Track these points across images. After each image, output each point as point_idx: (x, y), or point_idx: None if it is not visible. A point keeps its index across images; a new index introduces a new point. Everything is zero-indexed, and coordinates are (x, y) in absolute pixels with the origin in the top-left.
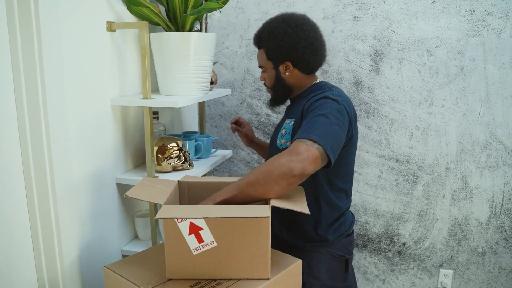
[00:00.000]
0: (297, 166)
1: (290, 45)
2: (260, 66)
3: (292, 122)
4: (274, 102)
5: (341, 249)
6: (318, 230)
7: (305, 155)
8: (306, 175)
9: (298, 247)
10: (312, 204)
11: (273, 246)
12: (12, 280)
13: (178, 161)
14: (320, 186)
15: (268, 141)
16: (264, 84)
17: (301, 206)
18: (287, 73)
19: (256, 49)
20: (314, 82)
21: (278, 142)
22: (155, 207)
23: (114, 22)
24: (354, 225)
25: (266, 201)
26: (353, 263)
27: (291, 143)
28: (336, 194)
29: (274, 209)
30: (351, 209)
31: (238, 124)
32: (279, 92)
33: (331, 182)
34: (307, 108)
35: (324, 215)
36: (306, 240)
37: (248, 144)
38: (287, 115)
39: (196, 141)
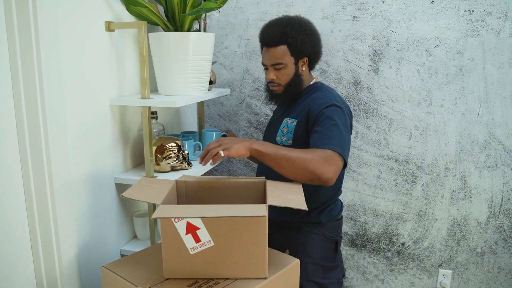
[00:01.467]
0: (327, 175)
1: (315, 40)
2: (275, 64)
3: (295, 123)
4: (284, 99)
5: (332, 231)
6: (313, 213)
7: (335, 167)
8: (329, 185)
9: (294, 227)
10: (310, 195)
11: (271, 227)
12: (10, 280)
13: (177, 161)
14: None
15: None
16: (272, 82)
17: (299, 203)
18: (303, 68)
19: (257, 49)
20: (313, 82)
21: (278, 139)
22: (154, 207)
23: (112, 22)
24: (343, 212)
25: (263, 200)
26: (352, 263)
27: (293, 142)
28: (331, 187)
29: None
30: (350, 207)
31: None
32: (294, 88)
33: None
34: (315, 115)
35: (320, 202)
36: (302, 222)
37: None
38: (285, 113)
39: (205, 135)
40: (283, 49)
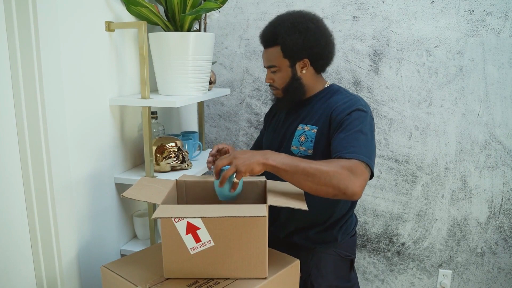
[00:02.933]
0: (353, 189)
1: (313, 40)
2: (269, 66)
3: (315, 130)
4: (283, 105)
5: (347, 249)
6: (329, 231)
7: (362, 179)
8: (355, 200)
9: (307, 248)
10: (329, 207)
11: (280, 249)
12: (10, 279)
13: (177, 160)
14: None
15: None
16: (270, 85)
17: (298, 203)
18: (304, 71)
19: (257, 49)
20: (327, 85)
21: (294, 148)
22: (154, 207)
23: (112, 22)
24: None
25: (264, 200)
26: None
27: (313, 152)
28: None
29: (291, 213)
30: None
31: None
32: (293, 93)
33: None
34: (340, 119)
35: (336, 217)
36: (315, 242)
37: None
38: (298, 119)
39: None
40: (275, 50)
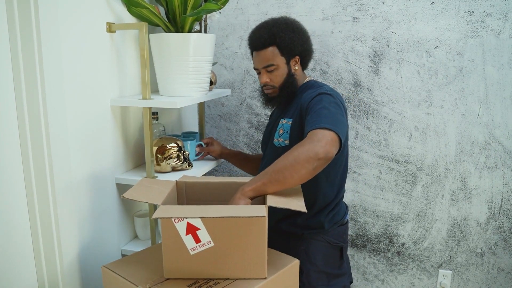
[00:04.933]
0: (321, 150)
1: (303, 39)
2: (267, 66)
3: (290, 122)
4: (280, 101)
5: (336, 237)
6: (315, 217)
7: (326, 139)
8: (330, 158)
9: (296, 235)
10: (311, 196)
11: (271, 235)
12: (12, 280)
13: (178, 161)
14: (319, 181)
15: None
16: (266, 85)
17: (298, 205)
18: (296, 67)
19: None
20: (306, 81)
21: (275, 141)
22: (154, 207)
23: (113, 23)
24: (349, 216)
25: (263, 201)
26: (352, 263)
27: (289, 142)
28: (331, 187)
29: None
30: (350, 208)
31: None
32: (288, 89)
33: (328, 177)
34: (306, 106)
35: (321, 205)
36: (303, 227)
37: (219, 156)
38: (281, 114)
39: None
40: (272, 50)
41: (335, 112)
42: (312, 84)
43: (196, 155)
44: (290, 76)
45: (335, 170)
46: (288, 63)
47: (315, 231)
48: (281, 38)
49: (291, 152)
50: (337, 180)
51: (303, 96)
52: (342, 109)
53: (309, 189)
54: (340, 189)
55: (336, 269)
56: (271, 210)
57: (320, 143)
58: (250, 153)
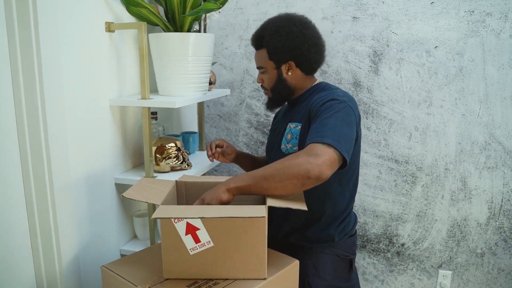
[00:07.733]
0: (315, 169)
1: (295, 43)
2: (259, 67)
3: (299, 127)
4: (272, 105)
5: (345, 249)
6: (325, 230)
7: (323, 158)
8: (323, 179)
9: (304, 248)
10: (320, 204)
11: (279, 248)
12: (10, 280)
13: (177, 161)
14: (330, 187)
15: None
16: (262, 86)
17: (298, 204)
18: (289, 73)
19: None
20: (315, 83)
21: (283, 146)
22: (154, 207)
23: (112, 22)
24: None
25: (263, 201)
26: None
27: (299, 148)
28: (343, 194)
29: (285, 213)
30: None
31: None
32: (279, 93)
33: (340, 183)
34: (315, 112)
35: (331, 215)
36: (312, 241)
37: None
38: (289, 118)
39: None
40: (263, 52)
41: (341, 124)
42: (323, 87)
43: (209, 156)
44: (280, 81)
45: (348, 176)
46: (277, 68)
47: (325, 244)
48: (267, 42)
49: (283, 161)
50: (349, 187)
51: (312, 99)
52: (353, 118)
53: (319, 196)
54: (351, 198)
55: (345, 282)
56: (279, 222)
57: (316, 161)
58: (250, 153)
